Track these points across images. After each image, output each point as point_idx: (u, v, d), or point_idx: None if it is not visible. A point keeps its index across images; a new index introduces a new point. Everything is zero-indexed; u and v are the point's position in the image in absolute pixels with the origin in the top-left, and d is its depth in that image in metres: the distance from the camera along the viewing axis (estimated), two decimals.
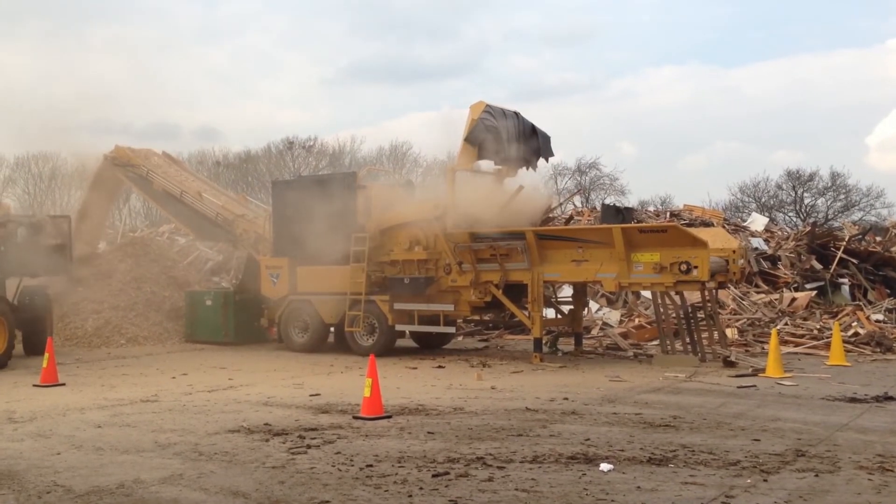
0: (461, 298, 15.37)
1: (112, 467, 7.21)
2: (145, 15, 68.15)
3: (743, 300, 19.19)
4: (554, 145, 16.46)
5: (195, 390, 11.82)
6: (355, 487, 6.47)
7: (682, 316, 14.61)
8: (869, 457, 7.33)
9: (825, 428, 8.69)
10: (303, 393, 11.39)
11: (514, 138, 15.41)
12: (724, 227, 22.05)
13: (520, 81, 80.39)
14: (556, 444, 7.93)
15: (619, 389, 11.50)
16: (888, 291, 20.84)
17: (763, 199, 53.04)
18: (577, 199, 45.37)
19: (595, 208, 29.54)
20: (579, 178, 53.10)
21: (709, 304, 14.96)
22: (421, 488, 6.42)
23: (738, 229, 24.15)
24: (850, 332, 16.83)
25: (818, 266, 21.07)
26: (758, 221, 26.93)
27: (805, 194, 53.29)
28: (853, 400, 10.52)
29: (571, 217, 24.12)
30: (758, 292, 19.93)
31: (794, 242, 22.64)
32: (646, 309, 18.68)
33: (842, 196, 52.36)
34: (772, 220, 38.15)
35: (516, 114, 15.73)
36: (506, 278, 14.87)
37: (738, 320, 18.07)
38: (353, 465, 7.15)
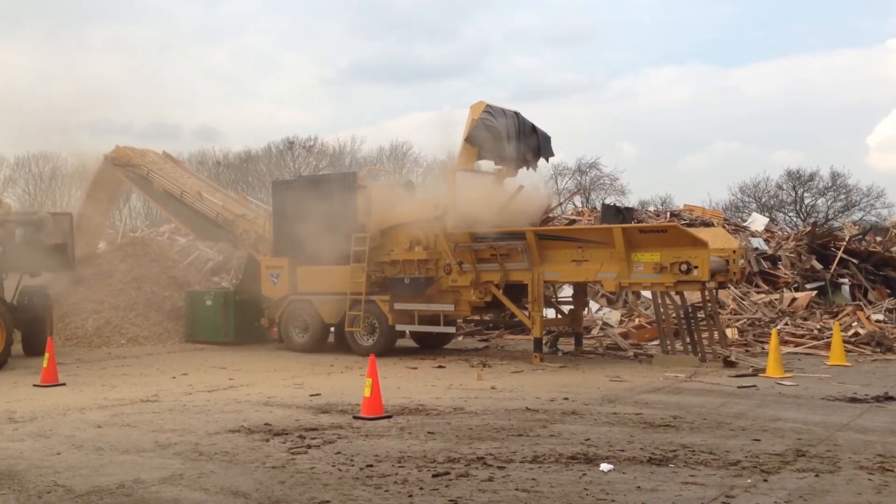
0: (461, 298, 15.37)
1: (112, 467, 7.21)
2: (145, 15, 68.25)
3: (743, 300, 19.19)
4: (554, 145, 16.48)
5: (195, 390, 11.82)
6: (355, 487, 6.47)
7: (682, 316, 14.61)
8: (869, 457, 7.33)
9: (825, 428, 8.69)
10: (303, 393, 11.39)
11: (514, 138, 15.41)
12: (724, 227, 22.05)
13: (520, 81, 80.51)
14: (557, 444, 7.93)
15: (620, 389, 11.50)
16: (888, 291, 20.84)
17: (763, 199, 53.08)
18: (578, 199, 45.45)
19: (595, 208, 29.56)
20: (579, 178, 53.16)
21: (709, 304, 14.96)
22: (421, 488, 6.42)
23: (738, 229, 24.15)
24: (851, 332, 16.83)
25: (818, 266, 21.07)
26: (758, 221, 26.94)
27: (805, 194, 53.37)
28: (853, 400, 10.52)
29: (573, 221, 24.10)
30: (758, 292, 19.93)
31: (794, 242, 22.64)
32: (646, 309, 18.68)
33: (842, 196, 52.43)
34: (772, 220, 38.17)
35: (516, 114, 15.73)
36: (506, 278, 14.88)
37: (738, 320, 18.07)
38: (353, 465, 7.15)
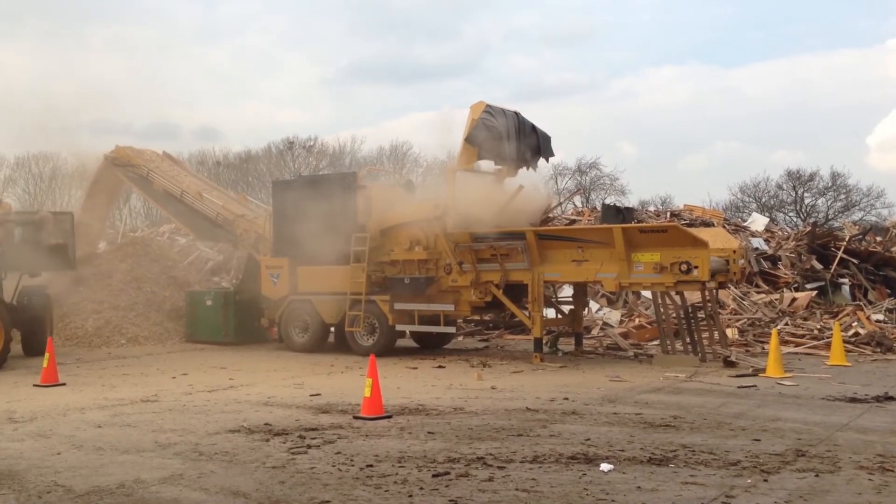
0: (461, 298, 15.37)
1: (112, 467, 7.21)
2: (145, 15, 68.27)
3: (743, 300, 19.19)
4: (554, 145, 16.47)
5: (195, 390, 11.82)
6: (355, 487, 6.47)
7: (682, 316, 14.61)
8: (869, 457, 7.33)
9: (825, 428, 8.69)
10: (303, 393, 11.39)
11: (514, 138, 15.40)
12: (724, 227, 22.06)
13: (520, 81, 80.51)
14: (557, 444, 7.93)
15: (620, 389, 11.50)
16: (888, 291, 20.84)
17: (763, 199, 53.10)
18: (578, 199, 45.46)
19: (595, 208, 29.55)
20: (579, 178, 53.18)
21: (709, 304, 14.96)
22: (421, 488, 6.42)
23: (738, 229, 24.15)
24: (851, 332, 16.83)
25: (818, 266, 21.07)
26: (758, 221, 26.94)
27: (805, 194, 53.39)
28: (853, 400, 10.52)
29: (573, 221, 24.10)
30: (758, 292, 19.93)
31: (794, 242, 22.64)
32: (646, 309, 18.68)
33: (842, 196, 52.45)
34: (772, 220, 38.18)
35: (516, 114, 15.73)
36: (506, 278, 14.88)
37: (738, 320, 18.07)
38: (353, 465, 7.15)
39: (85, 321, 18.57)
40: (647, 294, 17.69)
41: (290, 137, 53.08)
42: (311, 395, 11.09)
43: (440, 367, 14.34)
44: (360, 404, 9.52)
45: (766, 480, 6.59)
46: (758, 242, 22.53)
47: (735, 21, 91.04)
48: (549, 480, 6.62)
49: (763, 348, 15.70)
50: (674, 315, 14.68)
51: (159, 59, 61.20)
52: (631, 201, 46.40)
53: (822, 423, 8.93)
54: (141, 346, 18.04)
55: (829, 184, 52.51)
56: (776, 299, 19.26)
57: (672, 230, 13.90)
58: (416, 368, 14.18)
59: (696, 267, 13.33)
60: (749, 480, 6.58)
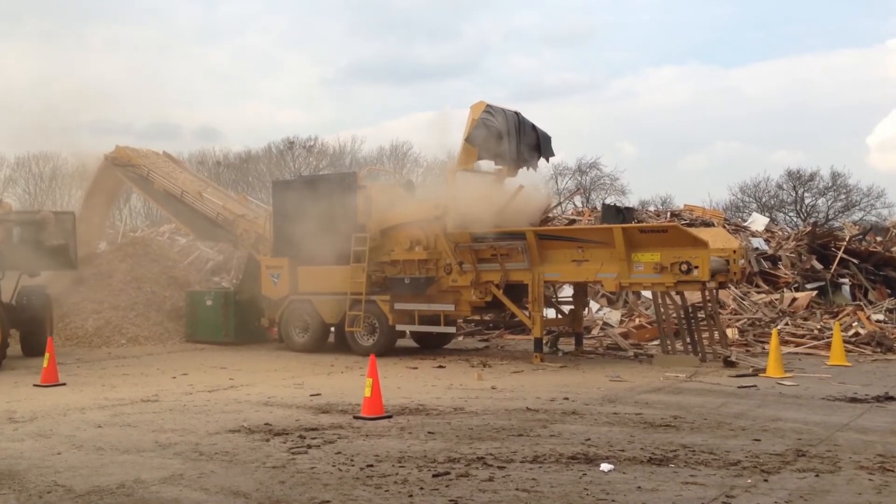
0: (462, 298, 15.37)
1: (113, 467, 7.21)
2: (145, 15, 68.29)
3: (743, 300, 19.19)
4: (554, 145, 16.46)
5: (196, 390, 11.82)
6: (356, 487, 6.47)
7: (682, 316, 14.61)
8: (869, 457, 7.33)
9: (826, 428, 8.69)
10: (303, 393, 11.39)
11: (514, 138, 15.40)
12: (724, 227, 22.06)
13: (520, 81, 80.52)
14: (557, 444, 7.93)
15: (620, 389, 11.50)
16: (889, 291, 20.84)
17: (763, 199, 53.11)
18: (578, 199, 45.47)
19: (595, 208, 29.54)
20: (580, 178, 53.20)
21: (709, 304, 14.96)
22: (421, 488, 6.42)
23: (738, 229, 24.15)
24: (851, 332, 16.83)
25: (819, 266, 21.07)
26: (758, 221, 26.93)
27: (805, 194, 53.41)
28: (854, 400, 10.52)
29: (573, 221, 24.10)
30: (758, 292, 19.93)
31: (794, 242, 22.64)
32: (646, 309, 18.68)
33: (842, 196, 52.47)
34: (772, 220, 38.20)
35: (517, 114, 15.72)
36: (506, 278, 14.88)
37: (738, 320, 18.07)
38: (353, 465, 7.15)
39: (85, 321, 18.57)
40: (647, 294, 17.69)
41: (291, 137, 53.17)
42: (312, 395, 11.09)
43: (440, 367, 14.34)
44: (361, 404, 9.52)
45: (766, 480, 6.59)
46: (758, 242, 22.53)
47: (735, 21, 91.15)
48: (550, 480, 6.62)
49: (763, 348, 15.70)
50: (674, 315, 14.68)
51: (159, 59, 61.26)
52: (631, 201, 46.46)
53: (823, 423, 8.93)
54: (141, 346, 18.04)
55: (830, 184, 52.59)
56: (776, 299, 19.26)
57: (672, 230, 13.90)
58: (416, 368, 14.18)
59: (696, 267, 13.33)
60: (749, 480, 6.58)
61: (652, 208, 34.31)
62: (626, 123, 79.29)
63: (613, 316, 19.18)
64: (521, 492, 6.31)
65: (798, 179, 53.06)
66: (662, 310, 14.43)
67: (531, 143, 15.86)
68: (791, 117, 78.93)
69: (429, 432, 8.51)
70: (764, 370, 12.90)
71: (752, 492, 6.27)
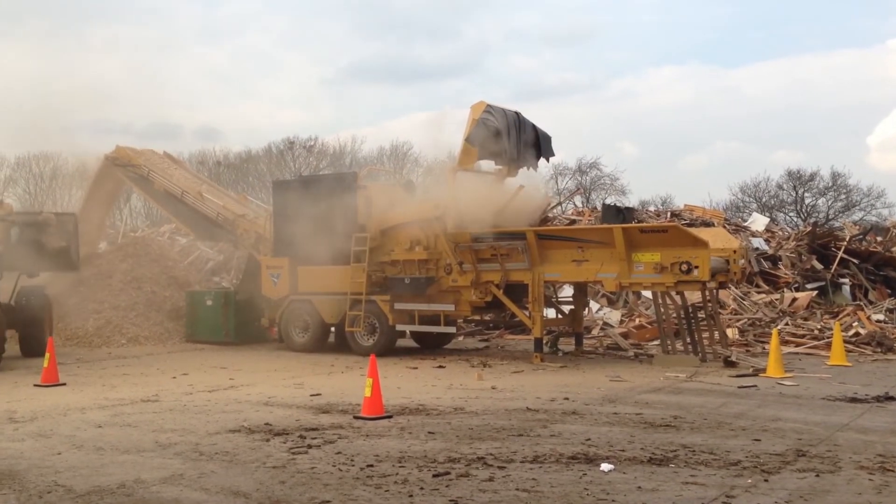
0: (462, 298, 15.37)
1: (113, 467, 7.21)
2: (145, 15, 68.32)
3: (744, 300, 19.19)
4: (554, 145, 16.47)
5: (196, 390, 11.82)
6: (356, 487, 6.47)
7: (682, 316, 14.61)
8: (870, 457, 7.33)
9: (826, 428, 8.69)
10: (303, 393, 11.39)
11: (514, 138, 15.40)
12: (724, 227, 22.06)
13: (520, 81, 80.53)
14: (557, 444, 7.93)
15: (620, 389, 11.50)
16: (889, 291, 20.84)
17: (764, 199, 53.11)
18: (578, 199, 45.48)
19: (596, 208, 29.54)
20: (580, 178, 53.19)
21: (709, 304, 14.96)
22: (422, 488, 6.42)
23: (738, 229, 24.15)
24: (851, 332, 16.83)
25: (819, 266, 21.07)
26: (758, 221, 26.93)
27: (806, 194, 53.41)
28: (854, 400, 10.52)
29: (573, 221, 24.10)
30: (758, 292, 19.93)
31: (794, 242, 22.64)
32: (646, 309, 18.68)
33: (842, 196, 52.47)
34: (772, 220, 38.19)
35: (517, 114, 15.73)
36: (506, 278, 14.88)
37: (738, 320, 18.07)
38: (353, 465, 7.15)
39: (85, 321, 18.57)
40: (647, 294, 17.69)
41: (291, 137, 53.19)
42: (312, 395, 11.09)
43: (440, 367, 14.34)
44: (361, 404, 9.52)
45: (766, 480, 6.59)
46: (758, 242, 22.53)
47: (735, 21, 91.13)
48: (550, 480, 6.62)
49: (763, 348, 15.71)
50: (674, 315, 14.68)
51: (159, 59, 61.32)
52: (631, 201, 46.46)
53: (823, 423, 8.93)
54: (141, 346, 18.04)
55: (830, 184, 52.59)
56: (776, 299, 19.26)
57: (672, 230, 13.90)
58: (416, 368, 14.18)
59: (696, 267, 13.33)
60: (749, 480, 6.58)
61: (652, 208, 34.30)
62: (626, 123, 79.38)
63: (613, 316, 19.18)
64: (521, 492, 6.31)
65: (798, 179, 53.08)
66: (662, 310, 14.43)
67: (531, 143, 15.86)
68: (791, 117, 79.02)
69: (429, 432, 8.51)
70: (764, 370, 12.90)
71: (753, 492, 6.27)
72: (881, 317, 18.77)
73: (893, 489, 6.35)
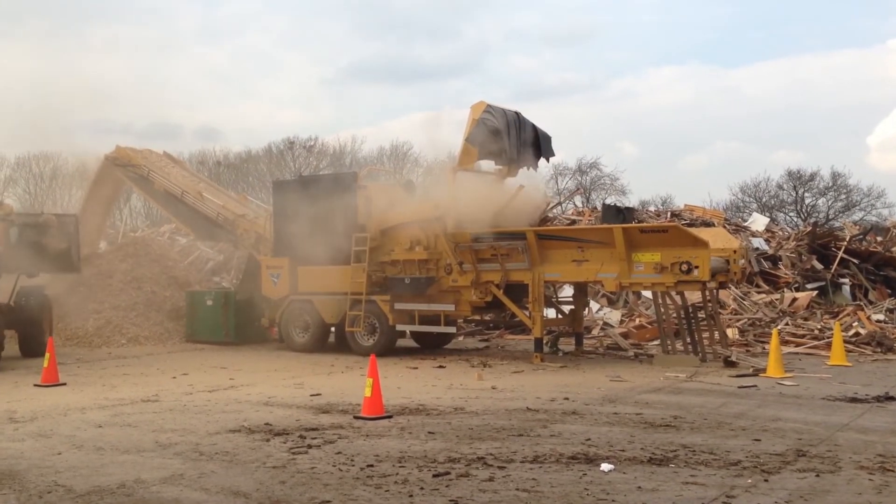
0: (462, 298, 15.37)
1: (113, 467, 7.21)
2: (145, 15, 68.34)
3: (744, 300, 19.19)
4: (554, 145, 16.47)
5: (196, 390, 11.82)
6: (356, 487, 6.47)
7: (682, 316, 14.61)
8: (870, 457, 7.33)
9: (826, 428, 8.69)
10: (303, 393, 11.39)
11: (514, 138, 15.41)
12: (724, 227, 22.05)
13: (520, 81, 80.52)
14: (557, 444, 7.93)
15: (620, 389, 11.50)
16: (889, 291, 20.84)
17: (764, 199, 53.11)
18: (578, 199, 45.48)
19: (596, 208, 29.53)
20: (580, 178, 53.18)
21: (709, 304, 14.96)
22: (422, 488, 6.43)
23: (738, 229, 24.14)
24: (851, 332, 16.83)
25: (819, 266, 21.07)
26: (759, 221, 26.93)
27: (806, 194, 53.41)
28: (854, 400, 10.52)
29: (574, 221, 24.10)
30: (758, 292, 19.92)
31: (794, 242, 22.63)
32: (646, 309, 18.68)
33: (843, 196, 52.47)
34: (773, 220, 38.18)
35: (517, 114, 15.73)
36: (506, 278, 14.88)
37: (738, 320, 18.07)
38: (353, 465, 7.15)
39: (85, 321, 18.57)
40: (647, 294, 17.69)
41: (291, 137, 53.18)
42: (312, 395, 11.10)
43: (440, 367, 14.34)
44: (361, 404, 9.52)
45: (766, 480, 6.59)
46: (758, 242, 22.52)
47: (735, 21, 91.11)
48: (550, 480, 6.62)
49: (763, 348, 15.70)
50: (674, 315, 14.68)
51: (159, 59, 61.35)
52: (631, 201, 46.46)
53: (823, 423, 8.93)
54: (141, 346, 18.04)
55: (830, 184, 52.59)
56: (777, 299, 19.26)
57: (672, 230, 13.90)
58: (416, 368, 14.18)
59: (696, 267, 13.33)
60: (749, 480, 6.58)
61: (652, 208, 34.30)
62: (626, 123, 79.38)
63: (614, 316, 19.18)
64: (521, 492, 6.31)
65: (798, 179, 53.08)
66: (662, 310, 14.43)
67: (531, 143, 15.86)
68: (791, 117, 79.01)
69: (429, 432, 8.52)
70: (764, 370, 12.90)
71: (753, 492, 6.27)
72: (881, 317, 18.77)
73: (893, 489, 6.35)
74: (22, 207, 29.45)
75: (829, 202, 52.84)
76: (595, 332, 18.01)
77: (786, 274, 20.82)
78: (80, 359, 15.97)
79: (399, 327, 16.00)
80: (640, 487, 6.39)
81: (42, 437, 8.53)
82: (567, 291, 16.95)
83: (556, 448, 7.72)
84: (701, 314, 15.05)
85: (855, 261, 21.21)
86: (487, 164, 15.99)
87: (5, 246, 15.67)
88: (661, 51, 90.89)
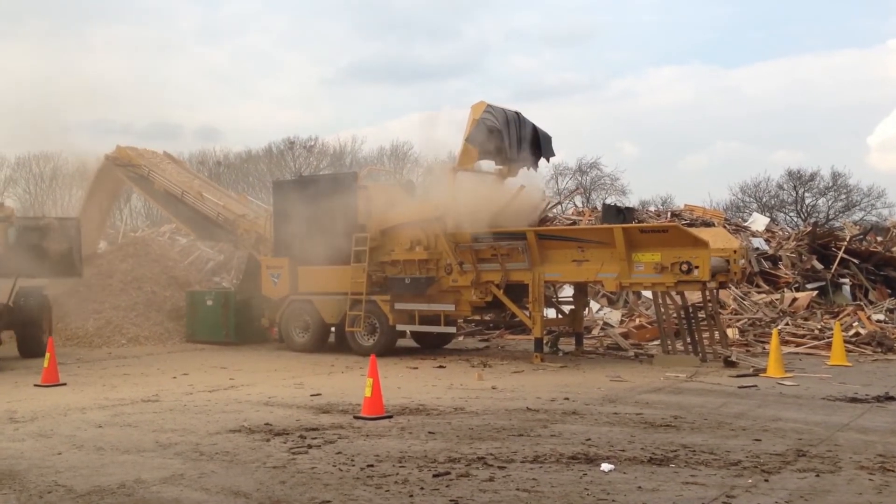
0: (462, 298, 15.37)
1: (113, 467, 7.21)
2: (145, 15, 68.35)
3: (744, 300, 19.19)
4: (554, 145, 16.48)
5: (196, 390, 11.82)
6: (356, 487, 6.47)
7: (682, 316, 14.61)
8: (870, 457, 7.33)
9: (826, 428, 8.69)
10: (304, 393, 11.39)
11: (514, 138, 15.41)
12: (724, 227, 22.05)
13: (520, 81, 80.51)
14: (557, 444, 7.93)
15: (620, 389, 11.50)
16: (889, 291, 20.83)
17: (764, 199, 53.11)
18: (578, 199, 45.48)
19: (596, 208, 29.53)
20: (580, 178, 53.19)
21: (710, 304, 14.96)
22: (422, 488, 6.43)
23: (738, 229, 24.14)
24: (851, 332, 16.83)
25: (819, 266, 21.07)
26: (759, 221, 26.92)
27: (806, 194, 53.40)
28: (854, 400, 10.52)
29: (574, 221, 24.10)
30: (759, 292, 19.92)
31: (795, 242, 22.63)
32: (647, 309, 18.68)
33: (843, 196, 52.46)
34: (773, 220, 38.17)
35: (517, 114, 15.73)
36: (507, 278, 14.88)
37: (738, 320, 18.07)
38: (354, 465, 7.15)
39: (85, 321, 18.58)
40: (647, 294, 17.69)
41: (291, 137, 53.18)
42: (312, 395, 11.10)
43: (441, 367, 14.34)
44: (361, 404, 9.52)
45: (766, 480, 6.59)
46: (758, 242, 22.52)
47: (735, 21, 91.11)
48: (550, 480, 6.62)
49: (764, 348, 15.70)
50: (674, 315, 14.68)
51: (159, 59, 61.36)
52: (631, 201, 46.46)
53: (823, 423, 8.93)
54: (141, 346, 18.04)
55: (830, 184, 52.58)
56: (777, 299, 19.26)
57: (673, 230, 13.90)
58: (416, 368, 14.18)
59: (696, 267, 13.33)
60: (750, 480, 6.58)
61: (652, 208, 34.28)
62: (627, 123, 79.38)
63: (614, 316, 19.18)
64: (521, 492, 6.31)
65: (798, 179, 53.08)
66: (663, 310, 14.43)
67: (531, 143, 15.86)
68: (791, 117, 79.00)
69: (429, 432, 8.52)
70: (764, 370, 12.90)
71: (753, 492, 6.27)
72: (881, 317, 18.77)
73: (893, 489, 6.35)
74: (22, 207, 29.49)
75: (830, 202, 52.89)
76: (595, 332, 18.01)
77: (786, 274, 20.82)
78: (80, 359, 15.97)
79: (399, 327, 16.00)
80: (640, 487, 6.40)
81: (42, 437, 8.53)
82: (567, 291, 16.95)
83: (556, 448, 7.72)
84: (701, 314, 15.05)
85: (855, 261, 21.21)
86: (487, 165, 16.00)
87: (4, 247, 15.64)
88: (661, 51, 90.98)
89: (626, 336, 17.45)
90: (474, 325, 19.78)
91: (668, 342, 14.46)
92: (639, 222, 18.67)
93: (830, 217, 50.16)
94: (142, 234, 25.43)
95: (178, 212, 19.30)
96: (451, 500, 6.11)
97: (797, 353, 15.55)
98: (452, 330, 16.46)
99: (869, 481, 6.56)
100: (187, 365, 14.92)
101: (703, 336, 14.66)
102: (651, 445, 7.82)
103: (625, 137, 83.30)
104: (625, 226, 14.32)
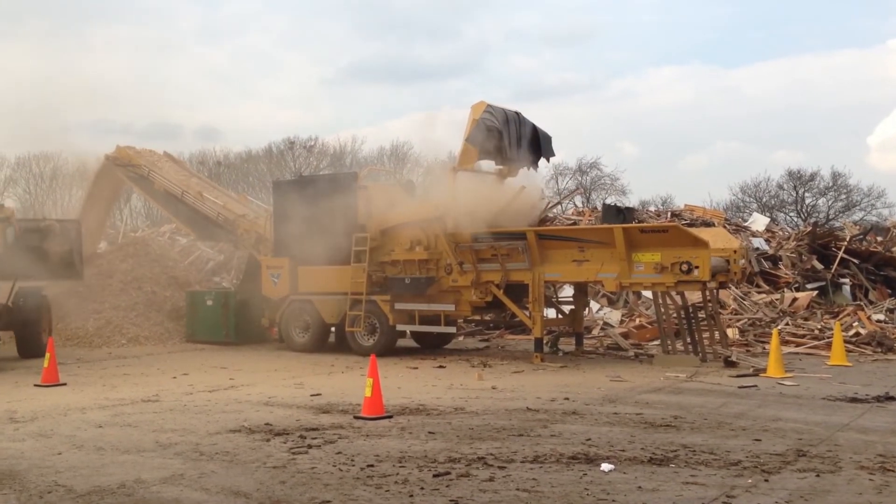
0: (462, 298, 15.37)
1: (113, 467, 7.21)
2: (145, 15, 68.35)
3: (744, 300, 19.19)
4: (554, 145, 16.47)
5: (196, 390, 11.82)
6: (356, 487, 6.47)
7: (683, 316, 14.61)
8: (870, 457, 7.33)
9: (826, 428, 8.69)
10: (304, 393, 11.39)
11: (515, 138, 15.41)
12: (724, 227, 22.05)
13: (520, 81, 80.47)
14: (557, 444, 7.93)
15: (620, 389, 11.50)
16: (889, 291, 20.83)
17: (764, 199, 53.09)
18: (578, 199, 45.49)
19: (596, 208, 29.53)
20: (580, 178, 53.16)
21: (710, 304, 14.96)
22: (422, 488, 6.43)
23: (739, 229, 24.14)
24: (852, 332, 16.83)
25: (819, 266, 21.07)
26: (759, 221, 26.92)
27: (806, 194, 53.38)
28: (854, 400, 10.52)
29: (574, 221, 24.10)
30: (759, 292, 19.92)
31: (795, 242, 22.63)
32: (647, 309, 18.68)
33: (843, 196, 52.45)
34: (773, 220, 38.17)
35: (517, 114, 15.73)
36: (507, 278, 14.88)
37: (739, 320, 18.07)
38: (354, 465, 7.15)
39: (85, 321, 18.57)
40: (647, 294, 17.69)
41: (291, 137, 53.16)
42: (312, 395, 11.09)
43: (441, 367, 14.34)
44: (361, 404, 9.52)
45: (766, 480, 6.59)
46: (758, 242, 22.52)
47: (735, 21, 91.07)
48: (550, 480, 6.62)
49: (764, 348, 15.70)
50: (674, 315, 14.68)
51: (159, 59, 61.36)
52: (631, 201, 46.45)
53: (823, 423, 8.93)
54: (141, 346, 18.04)
55: (830, 184, 52.56)
56: (777, 299, 19.26)
57: (673, 230, 13.90)
58: (416, 368, 14.18)
59: (696, 267, 13.33)
60: (750, 480, 6.58)
61: (652, 208, 34.28)
62: (627, 123, 79.35)
63: (614, 316, 19.18)
64: (521, 492, 6.31)
65: (798, 179, 53.07)
66: (663, 310, 14.43)
67: (531, 143, 15.86)
68: (791, 117, 78.98)
69: (429, 432, 8.52)
70: (764, 370, 12.90)
71: (753, 492, 6.27)
72: (881, 317, 18.77)
73: (894, 489, 6.35)
74: (22, 208, 29.47)
75: (830, 202, 52.88)
76: (595, 332, 18.02)
77: (786, 274, 20.82)
78: (80, 359, 15.97)
79: (399, 327, 16.00)
80: (640, 487, 6.40)
81: (42, 437, 8.53)
82: (567, 291, 16.96)
83: (556, 448, 7.72)
84: (701, 314, 15.05)
85: (855, 261, 21.21)
86: (487, 164, 16.00)
87: (3, 248, 15.62)
88: (661, 51, 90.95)
89: (626, 336, 17.45)
90: (474, 325, 19.78)
91: (668, 342, 14.46)
92: (639, 222, 18.67)
93: (830, 217, 50.15)
94: (142, 234, 25.43)
95: (178, 212, 19.30)
96: (451, 500, 6.11)
97: (797, 353, 15.55)
98: (452, 330, 16.46)
99: (869, 481, 6.56)
100: (187, 365, 14.92)
101: (703, 336, 14.66)
102: (651, 445, 7.82)
103: (625, 137, 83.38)
104: (625, 226, 14.33)
